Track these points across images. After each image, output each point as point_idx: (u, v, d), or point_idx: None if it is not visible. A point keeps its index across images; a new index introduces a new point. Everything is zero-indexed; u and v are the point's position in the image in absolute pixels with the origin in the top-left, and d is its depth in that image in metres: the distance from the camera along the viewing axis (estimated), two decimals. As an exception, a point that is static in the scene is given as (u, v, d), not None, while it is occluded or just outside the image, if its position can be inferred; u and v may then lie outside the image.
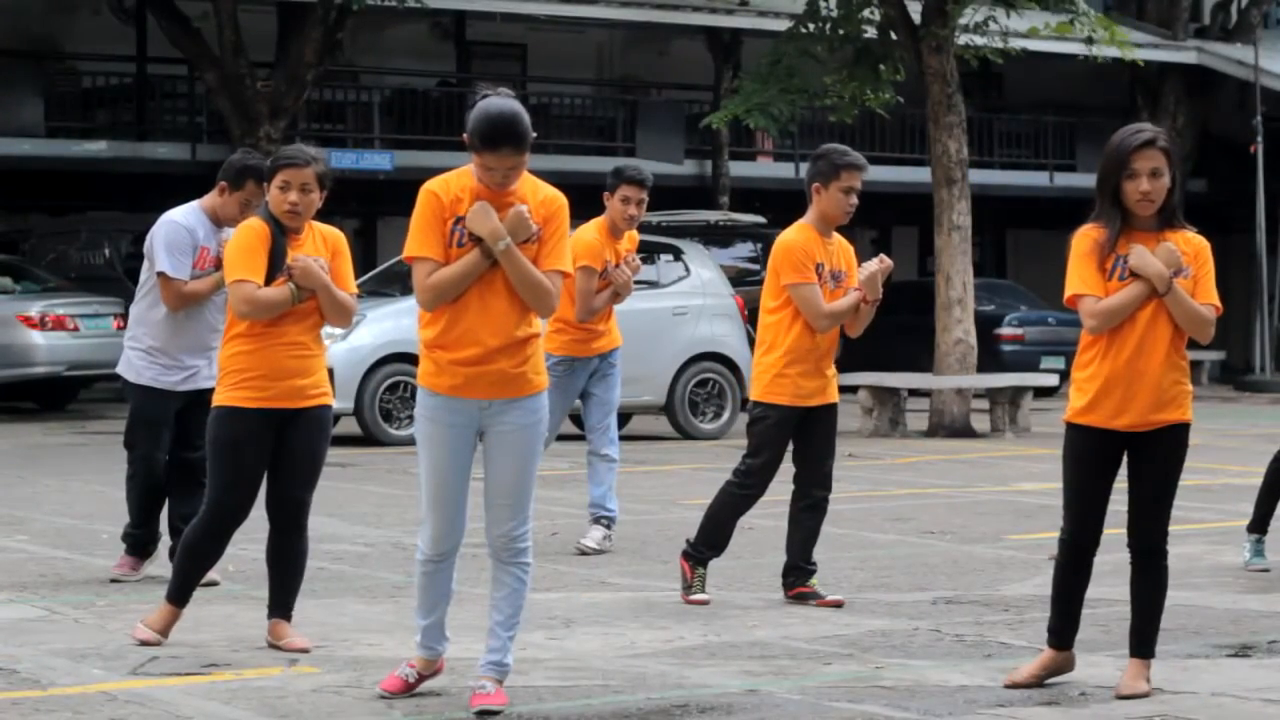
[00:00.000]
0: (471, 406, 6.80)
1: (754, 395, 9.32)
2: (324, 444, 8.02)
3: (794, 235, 9.19)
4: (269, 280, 7.78)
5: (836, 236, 9.30)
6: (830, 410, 9.29)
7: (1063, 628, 7.27)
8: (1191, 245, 7.12)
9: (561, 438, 11.72)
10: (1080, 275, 7.04)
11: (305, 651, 7.77)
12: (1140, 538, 7.15)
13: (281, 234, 7.80)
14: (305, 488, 7.96)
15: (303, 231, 7.89)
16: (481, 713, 6.72)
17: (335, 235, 8.00)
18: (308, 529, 8.03)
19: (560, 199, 6.87)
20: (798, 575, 9.30)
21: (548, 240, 6.80)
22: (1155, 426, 7.08)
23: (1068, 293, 7.09)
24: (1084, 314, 7.05)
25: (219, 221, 9.39)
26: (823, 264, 9.14)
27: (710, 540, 9.35)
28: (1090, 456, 7.17)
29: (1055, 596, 7.28)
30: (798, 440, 9.32)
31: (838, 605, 9.11)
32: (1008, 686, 7.19)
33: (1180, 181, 7.10)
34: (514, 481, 6.84)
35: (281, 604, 7.97)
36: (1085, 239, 7.07)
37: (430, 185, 6.80)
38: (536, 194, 6.83)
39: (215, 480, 7.92)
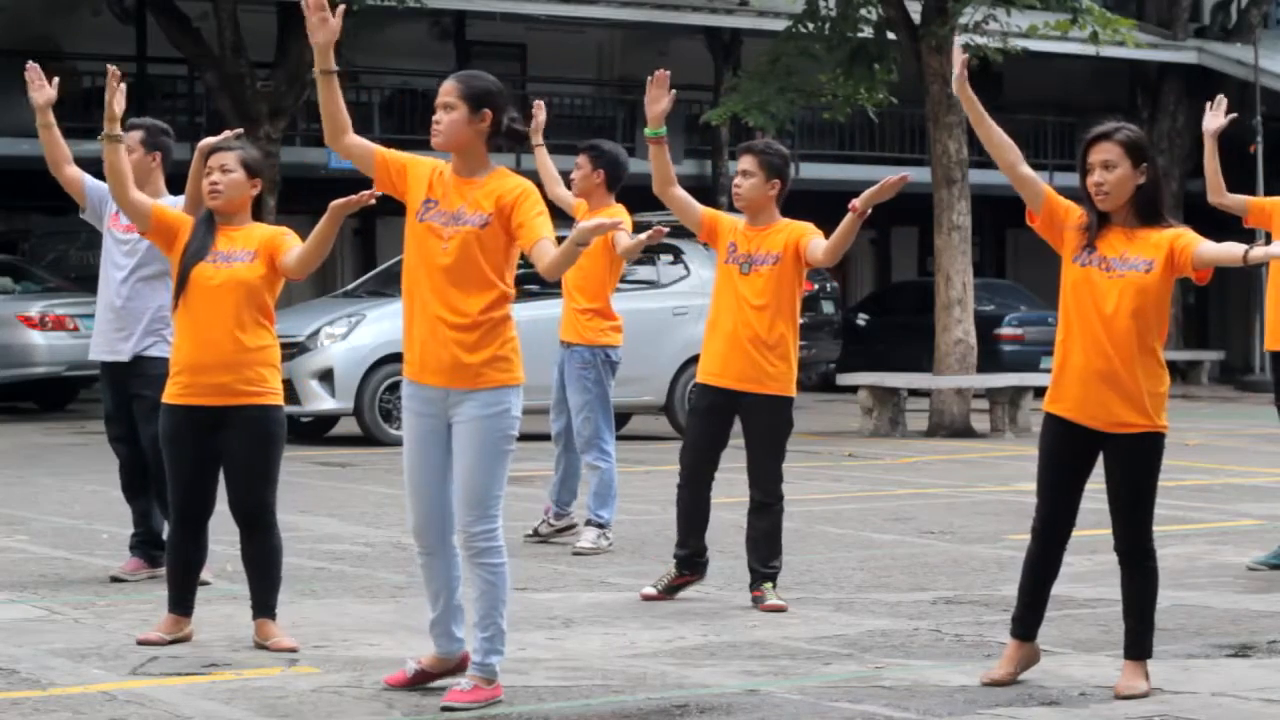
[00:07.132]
0: (436, 395, 6.82)
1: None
2: (262, 446, 7.88)
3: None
4: (183, 265, 8.11)
5: (776, 223, 9.35)
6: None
7: (1026, 617, 7.25)
8: (1167, 234, 7.01)
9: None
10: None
11: (293, 651, 7.76)
12: (1119, 540, 7.14)
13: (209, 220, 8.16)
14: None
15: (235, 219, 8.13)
16: (444, 708, 6.74)
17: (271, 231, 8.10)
18: (274, 528, 7.92)
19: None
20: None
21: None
22: (1123, 430, 7.03)
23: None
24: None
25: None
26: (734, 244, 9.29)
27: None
28: (1057, 447, 7.15)
29: (1021, 586, 7.27)
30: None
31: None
32: (985, 684, 7.18)
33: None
34: (468, 476, 6.80)
35: (260, 604, 7.95)
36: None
37: None
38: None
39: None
